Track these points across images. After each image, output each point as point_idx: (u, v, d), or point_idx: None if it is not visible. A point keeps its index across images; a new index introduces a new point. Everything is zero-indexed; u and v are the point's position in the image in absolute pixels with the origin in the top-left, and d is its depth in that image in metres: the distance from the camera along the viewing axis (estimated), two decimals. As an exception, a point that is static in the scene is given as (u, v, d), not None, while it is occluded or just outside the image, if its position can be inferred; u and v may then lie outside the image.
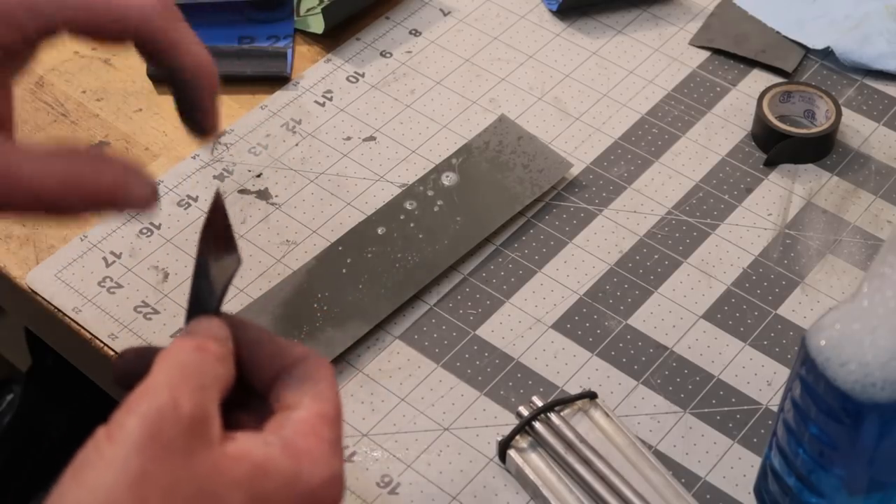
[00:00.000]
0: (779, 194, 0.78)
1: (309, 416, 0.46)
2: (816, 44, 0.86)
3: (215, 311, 0.49)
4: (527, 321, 0.72)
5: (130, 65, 0.86)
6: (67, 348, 0.75)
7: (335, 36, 0.87)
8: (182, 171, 0.79)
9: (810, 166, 0.80)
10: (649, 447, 0.66)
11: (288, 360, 0.48)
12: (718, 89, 0.84)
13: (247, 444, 0.45)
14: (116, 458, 0.41)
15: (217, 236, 0.50)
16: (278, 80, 0.84)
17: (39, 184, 0.46)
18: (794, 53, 0.86)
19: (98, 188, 0.47)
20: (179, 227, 0.76)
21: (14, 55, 0.50)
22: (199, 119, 0.52)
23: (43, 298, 0.72)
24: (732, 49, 0.86)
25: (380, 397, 0.68)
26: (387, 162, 0.80)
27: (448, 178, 0.78)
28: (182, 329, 0.49)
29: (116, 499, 0.41)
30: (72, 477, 0.42)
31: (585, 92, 0.84)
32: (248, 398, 0.49)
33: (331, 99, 0.83)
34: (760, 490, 0.63)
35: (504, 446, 0.65)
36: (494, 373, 0.69)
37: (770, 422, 0.67)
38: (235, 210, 0.77)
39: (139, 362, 0.48)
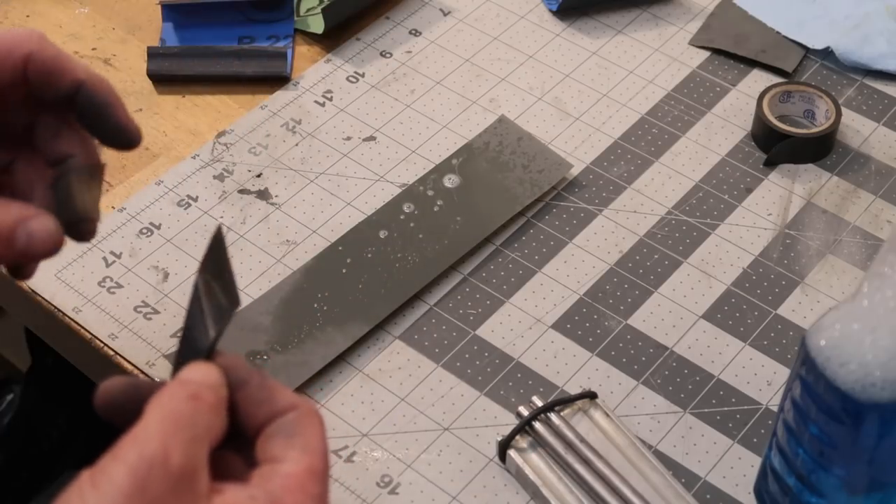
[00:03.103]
0: (779, 194, 0.78)
1: (297, 470, 0.45)
2: (816, 44, 0.86)
3: (209, 353, 0.47)
4: (527, 321, 0.72)
5: (130, 65, 0.86)
6: (67, 348, 0.75)
7: (335, 36, 0.87)
8: (182, 171, 0.79)
9: (810, 166, 0.80)
10: (649, 447, 0.66)
11: (278, 407, 0.47)
12: (718, 89, 0.84)
13: (234, 500, 0.44)
14: None
15: (216, 275, 0.48)
16: (278, 80, 0.84)
17: None
18: (794, 53, 0.86)
19: None
20: (179, 227, 0.76)
21: None
22: (121, 125, 0.53)
23: (43, 298, 0.72)
24: (732, 49, 0.86)
25: (380, 397, 0.68)
26: (387, 162, 0.80)
27: (450, 181, 0.78)
28: (174, 371, 0.48)
29: None
30: None
31: (585, 92, 0.84)
32: (235, 436, 0.48)
33: (331, 99, 0.83)
34: (760, 490, 0.63)
35: (504, 446, 0.65)
36: (494, 373, 0.69)
37: (770, 422, 0.67)
38: (235, 210, 0.77)
39: (125, 397, 0.47)
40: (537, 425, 0.65)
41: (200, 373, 0.46)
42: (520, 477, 0.64)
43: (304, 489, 0.45)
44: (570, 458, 0.64)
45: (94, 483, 0.41)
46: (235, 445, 0.48)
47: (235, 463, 0.47)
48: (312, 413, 0.48)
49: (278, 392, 0.48)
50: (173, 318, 0.71)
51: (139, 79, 0.85)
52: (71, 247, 0.74)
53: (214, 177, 0.79)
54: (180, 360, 0.48)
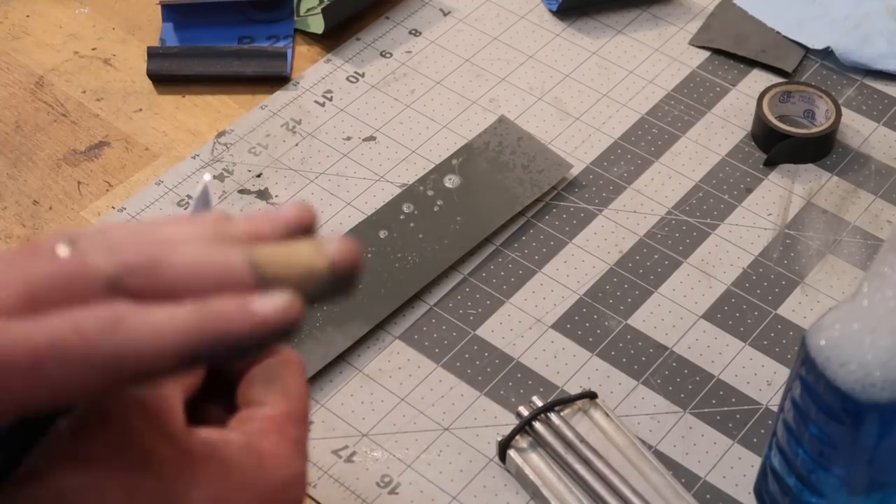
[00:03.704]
0: (779, 194, 0.78)
1: (275, 414, 0.45)
2: (816, 44, 0.86)
3: None
4: (527, 321, 0.72)
5: (130, 65, 0.86)
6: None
7: (335, 36, 0.87)
8: (182, 171, 0.79)
9: (810, 166, 0.80)
10: (649, 447, 0.66)
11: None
12: (718, 89, 0.84)
13: (208, 439, 0.43)
14: (78, 455, 0.41)
15: None
16: (278, 80, 0.84)
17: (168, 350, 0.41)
18: (794, 53, 0.86)
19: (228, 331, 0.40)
20: (179, 227, 0.76)
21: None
22: None
23: (43, 298, 0.72)
24: (732, 49, 0.86)
25: (380, 397, 0.68)
26: (387, 162, 0.80)
27: (450, 181, 0.78)
28: None
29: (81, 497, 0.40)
30: (36, 478, 0.41)
31: (585, 92, 0.84)
32: (216, 387, 0.47)
33: (331, 99, 0.83)
34: (760, 490, 0.63)
35: (504, 446, 0.65)
36: (494, 373, 0.69)
37: (770, 422, 0.67)
38: (235, 210, 0.77)
39: None
40: (537, 425, 0.65)
41: None
42: (520, 477, 0.64)
43: (282, 432, 0.45)
44: (570, 458, 0.64)
45: (73, 436, 0.41)
46: (217, 397, 0.47)
47: (216, 413, 0.47)
48: (292, 359, 0.47)
49: None
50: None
51: (139, 79, 0.85)
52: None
53: (214, 177, 0.79)
54: None
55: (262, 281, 0.40)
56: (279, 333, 0.39)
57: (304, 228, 0.43)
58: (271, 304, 0.39)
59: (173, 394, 0.44)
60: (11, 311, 0.39)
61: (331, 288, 0.40)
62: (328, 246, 0.41)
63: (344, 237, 0.41)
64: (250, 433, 0.44)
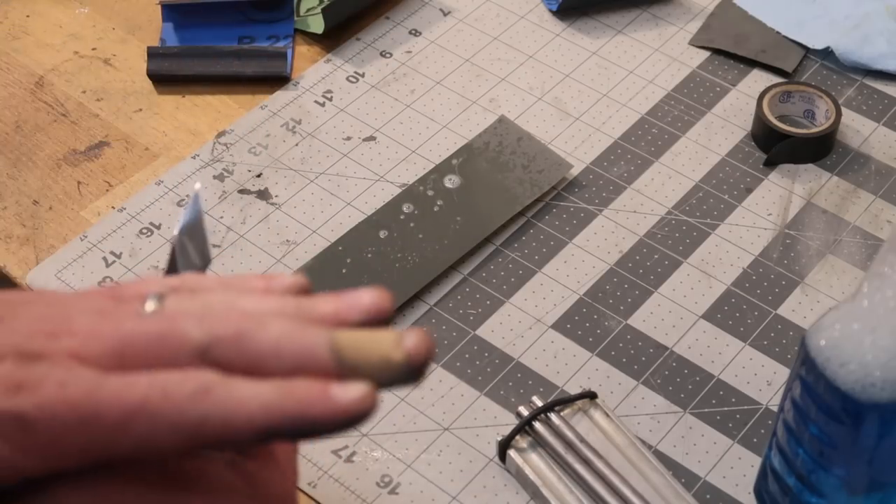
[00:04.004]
0: (779, 194, 0.78)
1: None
2: (816, 44, 0.86)
3: None
4: (527, 321, 0.72)
5: (130, 65, 0.86)
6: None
7: (335, 36, 0.87)
8: (182, 171, 0.79)
9: (810, 166, 0.80)
10: (649, 447, 0.66)
11: None
12: (718, 89, 0.84)
13: (197, 458, 0.44)
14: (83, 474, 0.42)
15: (191, 236, 0.50)
16: (278, 80, 0.84)
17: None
18: (794, 53, 0.86)
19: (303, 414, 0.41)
20: (179, 227, 0.76)
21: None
22: None
23: (43, 298, 0.72)
24: (732, 49, 0.86)
25: (380, 397, 0.68)
26: (387, 162, 0.80)
27: (450, 181, 0.78)
28: None
29: None
30: (41, 494, 0.41)
31: (585, 92, 0.84)
32: None
33: (331, 99, 0.83)
34: (760, 490, 0.63)
35: (504, 446, 0.65)
36: (494, 373, 0.69)
37: (770, 422, 0.67)
38: (235, 210, 0.77)
39: None
40: (537, 425, 0.65)
41: None
42: (520, 477, 0.64)
43: (270, 449, 0.46)
44: (570, 458, 0.64)
45: None
46: None
47: None
48: None
49: None
50: (173, 318, 0.71)
51: (139, 79, 0.85)
52: (71, 247, 0.75)
53: (214, 177, 0.79)
54: None
55: (341, 366, 0.42)
56: (354, 421, 0.41)
57: (382, 314, 0.44)
58: (351, 394, 0.41)
59: None
60: (104, 364, 0.41)
61: (403, 379, 0.43)
62: (406, 339, 0.42)
63: (420, 330, 0.43)
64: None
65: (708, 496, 0.64)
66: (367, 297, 0.44)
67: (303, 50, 0.87)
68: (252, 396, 0.40)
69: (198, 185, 0.51)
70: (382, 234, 0.75)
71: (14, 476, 0.39)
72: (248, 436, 0.40)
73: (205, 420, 0.40)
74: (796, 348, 0.65)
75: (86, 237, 0.75)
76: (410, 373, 0.42)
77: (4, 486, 0.40)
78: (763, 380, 0.69)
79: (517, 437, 0.65)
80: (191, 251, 0.49)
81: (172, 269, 0.49)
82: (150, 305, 0.43)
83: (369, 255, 0.74)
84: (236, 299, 0.44)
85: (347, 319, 0.44)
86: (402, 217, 0.76)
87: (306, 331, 0.42)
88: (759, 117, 0.80)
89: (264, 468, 0.45)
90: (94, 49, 0.87)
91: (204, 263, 0.49)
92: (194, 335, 0.41)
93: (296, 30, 0.87)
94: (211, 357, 0.41)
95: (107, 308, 0.43)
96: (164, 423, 0.40)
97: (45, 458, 0.39)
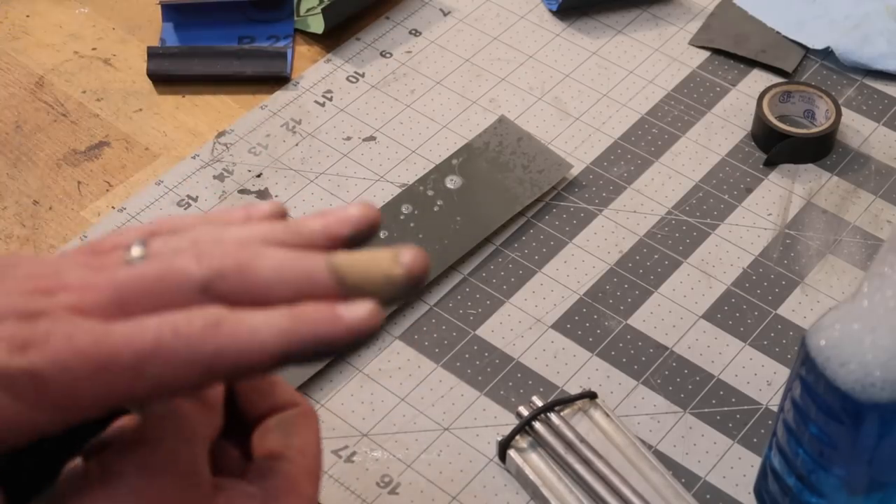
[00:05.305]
0: (779, 194, 0.78)
1: (294, 471, 0.46)
2: (816, 44, 0.86)
3: None
4: (527, 321, 0.72)
5: (130, 65, 0.86)
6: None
7: (335, 36, 0.87)
8: (182, 171, 0.79)
9: (810, 166, 0.80)
10: (649, 447, 0.66)
11: (278, 402, 0.48)
12: (718, 89, 0.84)
13: (232, 495, 0.44)
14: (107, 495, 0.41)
15: None
16: (278, 80, 0.84)
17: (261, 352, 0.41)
18: (794, 53, 0.86)
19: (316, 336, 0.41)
20: (179, 227, 0.76)
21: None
22: None
23: (43, 298, 0.72)
24: (732, 49, 0.86)
25: (380, 397, 0.68)
26: (387, 162, 0.80)
27: (450, 181, 0.78)
28: None
29: None
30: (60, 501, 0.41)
31: (585, 92, 0.84)
32: (230, 423, 0.48)
33: (331, 99, 0.83)
34: (760, 490, 0.63)
35: (504, 446, 0.65)
36: (494, 373, 0.69)
37: (770, 422, 0.67)
38: (235, 210, 0.77)
39: None
40: (537, 425, 0.65)
41: None
42: (520, 477, 0.64)
43: (299, 491, 0.46)
44: (570, 458, 0.64)
45: (103, 482, 0.42)
46: (231, 435, 0.48)
47: (227, 450, 0.48)
48: (311, 413, 0.48)
49: (279, 386, 0.48)
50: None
51: (139, 79, 0.85)
52: (71, 247, 0.75)
53: (214, 177, 0.79)
54: None
55: (343, 287, 0.42)
56: (363, 338, 0.41)
57: (372, 226, 0.45)
58: (358, 312, 0.41)
59: (202, 452, 0.44)
60: (106, 314, 0.40)
61: (404, 293, 0.43)
62: (403, 255, 0.42)
63: (413, 246, 0.43)
64: (269, 490, 0.45)
65: (708, 496, 0.64)
66: (354, 210, 0.45)
67: (303, 50, 0.87)
68: (264, 324, 0.40)
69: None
70: (382, 234, 0.75)
71: (31, 434, 0.39)
72: (264, 364, 0.40)
73: (220, 353, 0.40)
74: (796, 348, 0.65)
75: (86, 237, 0.75)
76: (411, 286, 0.43)
77: (22, 447, 0.40)
78: (763, 380, 0.69)
79: (517, 437, 0.65)
80: None
81: None
82: (135, 251, 0.43)
83: (369, 255, 0.74)
84: (222, 232, 0.44)
85: (339, 235, 0.44)
86: (402, 217, 0.76)
87: (304, 256, 0.42)
88: (759, 117, 0.80)
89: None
90: (94, 49, 0.87)
91: None
92: (194, 272, 0.41)
93: (296, 30, 0.87)
94: (214, 292, 0.41)
95: (91, 262, 0.43)
96: (178, 362, 0.39)
97: (60, 411, 0.39)
